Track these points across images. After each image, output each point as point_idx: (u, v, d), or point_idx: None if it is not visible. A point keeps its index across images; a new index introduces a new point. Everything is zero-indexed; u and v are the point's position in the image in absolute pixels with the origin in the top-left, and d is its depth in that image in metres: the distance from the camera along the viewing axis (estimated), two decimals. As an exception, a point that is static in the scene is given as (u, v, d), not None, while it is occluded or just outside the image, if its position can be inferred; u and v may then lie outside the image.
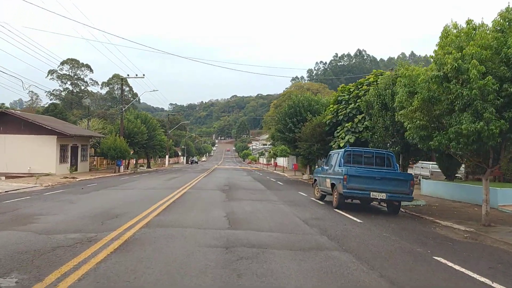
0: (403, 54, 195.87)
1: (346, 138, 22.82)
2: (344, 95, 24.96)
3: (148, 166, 53.67)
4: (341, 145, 22.73)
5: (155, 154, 75.08)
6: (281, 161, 66.43)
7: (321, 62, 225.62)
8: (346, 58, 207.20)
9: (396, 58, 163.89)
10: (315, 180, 16.92)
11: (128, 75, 40.01)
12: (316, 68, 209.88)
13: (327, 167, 14.93)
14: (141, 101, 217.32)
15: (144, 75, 40.33)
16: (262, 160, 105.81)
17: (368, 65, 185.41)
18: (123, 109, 39.73)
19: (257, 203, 14.05)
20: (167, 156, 66.66)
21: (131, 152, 46.92)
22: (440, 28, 10.57)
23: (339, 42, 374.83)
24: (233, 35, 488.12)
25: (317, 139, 25.96)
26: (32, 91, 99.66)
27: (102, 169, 40.71)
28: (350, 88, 25.07)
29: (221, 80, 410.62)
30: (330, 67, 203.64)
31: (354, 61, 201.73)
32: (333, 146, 24.00)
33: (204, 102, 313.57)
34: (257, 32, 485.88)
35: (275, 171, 52.17)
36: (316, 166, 34.02)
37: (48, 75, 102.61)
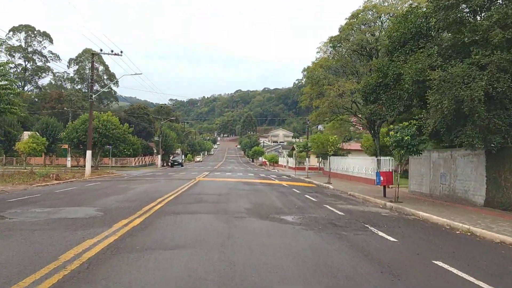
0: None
1: None
2: None
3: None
4: None
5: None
6: (337, 164, 28.44)
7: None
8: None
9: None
10: None
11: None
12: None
13: None
14: (141, 98, 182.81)
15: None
16: (283, 161, 68.29)
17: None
18: None
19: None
20: (88, 154, 29.09)
21: None
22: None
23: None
24: (238, 31, 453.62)
25: None
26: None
27: None
28: None
29: (225, 74, 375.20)
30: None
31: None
32: None
33: (206, 97, 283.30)
34: (262, 28, 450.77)
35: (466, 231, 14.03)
36: None
37: (-9, 45, 69.47)
